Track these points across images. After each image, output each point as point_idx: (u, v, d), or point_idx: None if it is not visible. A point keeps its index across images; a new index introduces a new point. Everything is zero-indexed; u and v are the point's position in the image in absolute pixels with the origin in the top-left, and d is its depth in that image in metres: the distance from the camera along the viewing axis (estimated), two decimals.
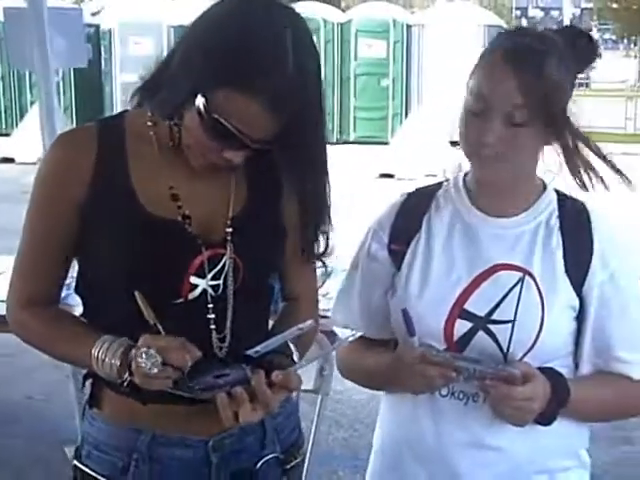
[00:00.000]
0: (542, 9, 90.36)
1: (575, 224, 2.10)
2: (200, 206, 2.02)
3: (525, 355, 2.03)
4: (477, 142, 1.98)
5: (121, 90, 20.30)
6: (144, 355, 1.82)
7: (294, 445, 2.20)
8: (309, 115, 1.91)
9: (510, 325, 2.03)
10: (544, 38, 2.01)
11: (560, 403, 2.01)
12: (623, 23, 51.84)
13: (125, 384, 1.90)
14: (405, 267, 2.15)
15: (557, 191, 2.15)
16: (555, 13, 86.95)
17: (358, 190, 14.10)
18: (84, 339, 1.96)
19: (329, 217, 2.08)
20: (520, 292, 2.04)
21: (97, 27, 20.58)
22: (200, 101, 1.83)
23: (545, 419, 2.01)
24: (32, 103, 18.58)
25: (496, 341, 2.03)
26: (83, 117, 12.03)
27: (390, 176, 15.43)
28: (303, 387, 2.67)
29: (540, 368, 2.00)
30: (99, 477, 2.05)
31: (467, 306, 2.06)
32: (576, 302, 2.06)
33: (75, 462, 2.11)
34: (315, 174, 2.01)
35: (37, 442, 5.29)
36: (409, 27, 20.43)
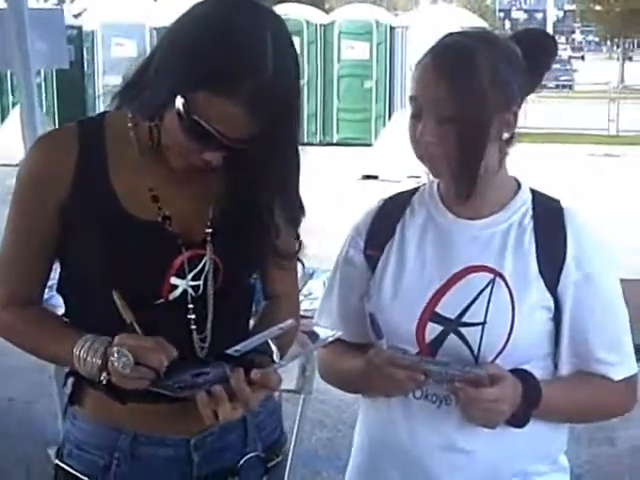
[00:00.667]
0: (525, 11, 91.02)
1: (549, 224, 2.08)
2: (180, 207, 2.02)
3: (497, 357, 2.02)
4: (419, 143, 2.00)
5: (103, 92, 20.40)
6: (116, 354, 1.83)
7: (276, 444, 2.21)
8: (286, 117, 1.91)
9: (480, 327, 2.02)
10: (476, 38, 2.02)
11: (531, 404, 2.00)
12: (606, 25, 52.25)
13: (103, 383, 1.90)
14: (378, 272, 2.16)
15: (533, 191, 2.15)
16: (539, 15, 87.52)
17: (342, 191, 14.27)
18: (66, 338, 1.96)
19: (301, 217, 2.10)
20: (490, 294, 2.04)
21: (79, 29, 20.61)
22: (179, 102, 1.83)
23: (517, 421, 2.01)
24: (14, 104, 18.62)
25: (467, 344, 2.03)
26: (65, 119, 12.07)
27: (374, 177, 15.56)
28: (285, 387, 2.69)
29: (512, 370, 2.00)
30: (80, 476, 2.06)
31: (438, 309, 2.06)
32: (551, 302, 2.05)
33: (57, 461, 2.11)
34: (289, 175, 2.02)
35: (20, 443, 5.28)
36: (392, 29, 20.55)
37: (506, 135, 2.03)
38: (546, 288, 2.04)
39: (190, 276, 2.00)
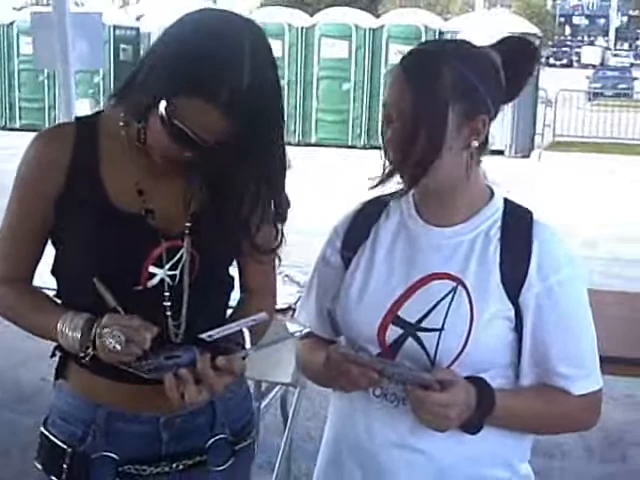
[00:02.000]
0: (587, 17, 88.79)
1: (515, 234, 2.07)
2: (163, 201, 2.11)
3: (452, 363, 2.02)
4: (388, 147, 2.04)
5: None
6: (108, 335, 1.94)
7: (244, 428, 2.29)
8: (266, 119, 1.97)
9: (437, 333, 2.02)
10: (447, 48, 2.05)
11: (484, 411, 1.99)
12: None
13: (87, 358, 2.02)
14: (349, 274, 2.18)
15: (506, 200, 2.14)
16: (601, 21, 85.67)
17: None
18: (51, 314, 2.08)
19: (286, 215, 2.15)
20: (451, 301, 2.04)
21: (137, 30, 21.23)
22: (162, 106, 1.91)
23: (470, 427, 2.01)
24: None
25: (424, 348, 2.03)
26: None
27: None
28: (282, 381, 2.83)
29: (468, 377, 2.00)
30: (60, 444, 2.16)
31: (400, 313, 2.07)
32: (512, 313, 2.04)
33: (42, 429, 2.22)
34: (274, 175, 2.08)
35: None
36: (441, 33, 20.20)
37: (475, 143, 2.02)
38: (507, 298, 2.03)
39: (167, 266, 2.08)
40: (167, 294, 2.09)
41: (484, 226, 2.08)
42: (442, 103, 1.96)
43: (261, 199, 2.09)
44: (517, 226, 2.07)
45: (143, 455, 2.17)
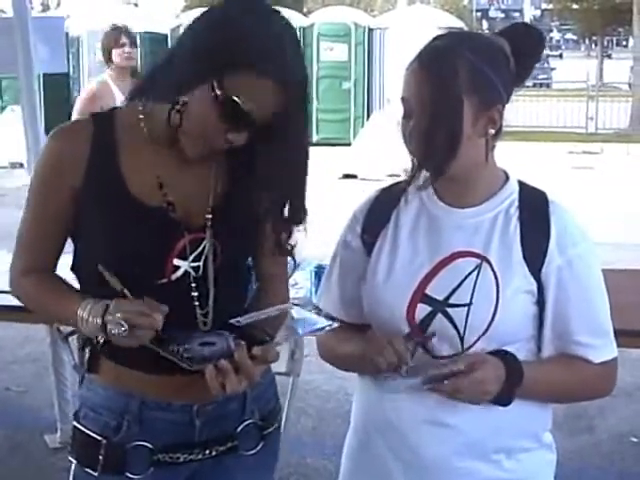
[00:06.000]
0: (503, 11, 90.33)
1: (534, 212, 2.15)
2: (184, 194, 2.15)
3: (480, 337, 2.10)
4: (410, 141, 2.12)
5: None
6: (112, 322, 2.00)
7: (272, 413, 2.37)
8: (303, 104, 2.07)
9: (466, 308, 2.10)
10: (461, 41, 2.11)
11: (514, 384, 2.07)
12: (584, 23, 51.91)
13: (99, 344, 2.12)
14: (374, 256, 2.24)
15: (520, 182, 2.23)
16: (516, 14, 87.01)
17: (322, 190, 14.49)
18: (72, 301, 2.12)
19: (304, 213, 2.20)
20: (477, 277, 2.11)
21: (66, 34, 20.86)
22: (214, 83, 1.97)
23: (502, 400, 2.08)
24: (3, 108, 18.84)
25: (453, 323, 2.11)
26: (51, 120, 12.25)
27: (353, 177, 15.63)
28: (276, 370, 2.86)
29: (494, 352, 2.08)
30: (93, 435, 2.21)
31: (428, 291, 2.14)
32: (534, 287, 2.12)
33: (74, 423, 2.27)
34: (295, 171, 2.13)
35: (17, 431, 5.34)
36: (370, 30, 20.62)
37: (492, 131, 2.10)
38: (530, 273, 2.12)
39: (191, 258, 2.14)
40: (193, 285, 2.15)
41: (503, 206, 2.17)
42: (458, 97, 2.04)
43: (284, 192, 2.15)
44: (534, 205, 2.17)
45: (176, 443, 2.23)
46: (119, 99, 6.07)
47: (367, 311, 2.26)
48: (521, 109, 23.10)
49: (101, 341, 2.11)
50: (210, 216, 2.17)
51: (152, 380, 2.17)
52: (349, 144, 18.31)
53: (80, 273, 2.25)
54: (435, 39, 2.15)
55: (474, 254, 2.14)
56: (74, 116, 7.16)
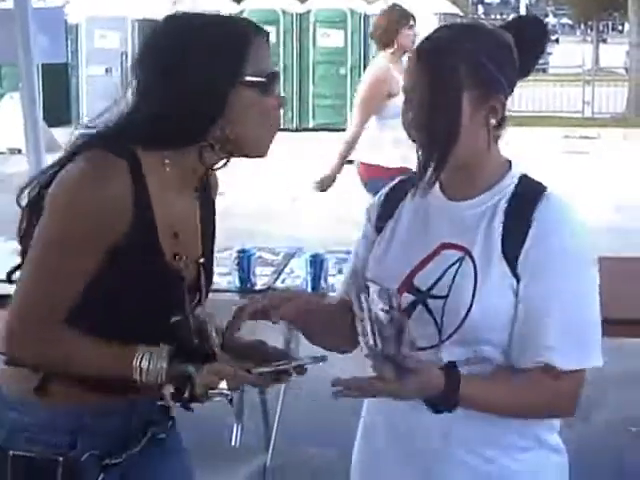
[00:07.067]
0: None
1: (520, 207, 2.11)
2: (187, 241, 2.18)
3: (456, 330, 2.08)
4: (410, 129, 2.15)
5: (87, 82, 20.68)
6: (215, 394, 2.04)
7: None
8: None
9: (443, 301, 2.10)
10: (462, 32, 2.15)
11: (449, 396, 2.02)
12: (579, 8, 51.94)
13: (180, 395, 2.07)
14: (375, 246, 2.29)
15: (523, 176, 2.19)
16: (512, 0, 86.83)
17: (319, 175, 14.54)
18: (119, 352, 2.07)
19: None
20: (457, 271, 2.11)
21: (65, 22, 20.98)
22: (248, 77, 2.05)
23: (438, 407, 2.05)
24: (2, 95, 18.90)
25: (431, 314, 2.12)
26: (49, 107, 12.33)
27: (349, 162, 15.83)
28: None
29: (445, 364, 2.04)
30: (49, 456, 2.14)
31: (415, 281, 2.16)
32: (514, 282, 2.08)
33: (12, 453, 2.14)
34: None
35: None
36: (366, 17, 20.58)
37: (493, 121, 2.11)
38: (508, 268, 2.08)
39: (190, 306, 2.21)
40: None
41: (495, 199, 2.16)
42: (456, 88, 2.07)
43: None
44: (524, 199, 2.13)
45: (118, 444, 2.23)
46: (399, 83, 6.10)
47: None
48: (517, 94, 22.87)
49: (170, 391, 2.08)
50: (202, 260, 2.26)
51: (94, 392, 2.16)
52: (345, 130, 18.28)
53: (84, 319, 2.10)
54: (436, 31, 2.18)
55: (459, 247, 2.14)
56: (361, 106, 6.99)
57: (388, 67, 6.83)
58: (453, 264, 2.13)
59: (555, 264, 2.07)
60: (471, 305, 2.08)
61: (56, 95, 19.39)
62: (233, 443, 4.63)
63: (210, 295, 2.32)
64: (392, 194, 2.34)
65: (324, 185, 7.05)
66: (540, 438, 2.19)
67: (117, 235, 2.04)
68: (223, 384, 2.03)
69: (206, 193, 2.28)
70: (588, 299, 2.10)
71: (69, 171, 2.06)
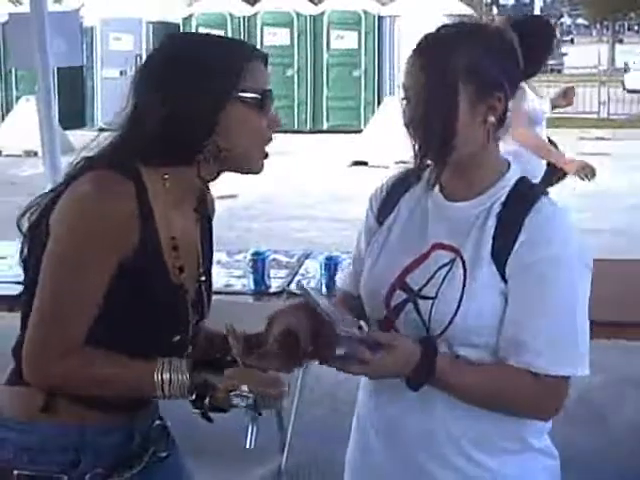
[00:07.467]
0: None
1: (513, 210, 2.10)
2: (187, 255, 2.19)
3: (443, 332, 2.08)
4: (408, 127, 2.13)
5: (102, 84, 20.83)
6: (237, 396, 2.03)
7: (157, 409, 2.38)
8: None
9: (431, 302, 2.10)
10: (461, 30, 2.15)
11: (422, 374, 2.04)
12: (594, 8, 51.81)
13: (197, 400, 2.05)
14: (372, 242, 2.29)
15: (520, 178, 2.18)
16: (526, 0, 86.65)
17: (332, 177, 14.24)
18: (140, 368, 2.07)
19: None
20: (447, 272, 2.11)
21: (80, 25, 21.10)
22: (241, 94, 2.08)
23: (411, 383, 2.06)
24: (18, 98, 19.01)
25: (419, 314, 2.11)
26: (64, 110, 12.37)
27: (363, 163, 15.65)
28: None
29: (421, 338, 2.07)
30: (53, 475, 2.13)
31: (407, 279, 2.15)
32: (503, 286, 2.07)
33: (17, 472, 2.13)
34: None
35: None
36: (380, 18, 20.70)
37: (492, 119, 2.09)
38: (498, 272, 2.08)
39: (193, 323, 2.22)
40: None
41: (490, 201, 2.14)
42: (452, 85, 2.06)
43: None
44: (519, 202, 2.11)
45: (121, 462, 2.21)
46: None
47: (361, 294, 2.30)
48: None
49: (192, 398, 2.07)
50: (203, 278, 2.26)
51: (96, 409, 2.15)
52: (359, 131, 18.31)
53: (97, 339, 2.09)
54: (438, 29, 2.16)
55: (451, 248, 2.13)
56: None
57: None
58: (444, 265, 2.12)
59: (544, 270, 2.05)
60: (458, 307, 2.07)
61: (71, 98, 19.46)
62: (248, 445, 4.57)
63: (225, 297, 2.35)
64: (394, 187, 2.33)
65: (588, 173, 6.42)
66: (528, 441, 2.18)
67: (127, 250, 2.04)
68: (244, 387, 2.02)
69: (203, 212, 2.30)
70: (576, 307, 2.08)
71: (75, 192, 2.05)
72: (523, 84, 2.34)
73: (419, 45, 2.13)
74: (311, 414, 5.12)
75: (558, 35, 62.38)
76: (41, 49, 5.30)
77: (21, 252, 2.16)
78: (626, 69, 32.34)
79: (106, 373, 2.08)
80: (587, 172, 6.34)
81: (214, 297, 2.34)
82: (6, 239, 4.81)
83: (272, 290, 4.30)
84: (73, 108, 19.42)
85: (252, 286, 4.30)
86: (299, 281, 2.12)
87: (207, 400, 2.04)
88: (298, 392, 4.32)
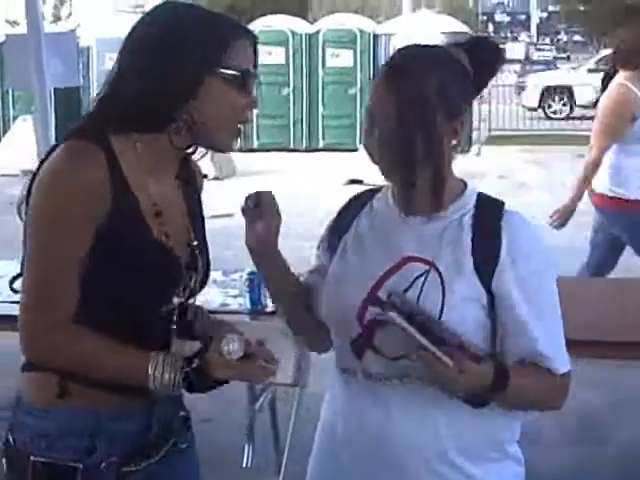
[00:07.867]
0: (509, 14, 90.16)
1: (487, 222, 2.16)
2: (174, 223, 2.21)
3: None
4: (372, 152, 2.18)
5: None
6: (227, 339, 2.05)
7: (182, 401, 2.41)
8: None
9: None
10: (427, 56, 2.19)
11: (496, 391, 2.08)
12: (591, 25, 51.94)
13: (185, 375, 2.07)
14: (333, 261, 2.31)
15: (479, 193, 2.24)
16: (522, 17, 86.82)
17: (328, 195, 14.41)
18: (132, 356, 2.11)
19: None
20: (423, 284, 2.12)
21: (76, 44, 21.16)
22: (221, 69, 2.09)
23: (475, 402, 2.11)
24: (15, 118, 19.04)
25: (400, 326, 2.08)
26: (62, 129, 12.40)
27: (359, 182, 15.45)
28: (282, 381, 2.92)
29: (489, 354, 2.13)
30: (67, 462, 2.16)
31: (380, 293, 2.16)
32: (485, 298, 2.13)
33: (33, 458, 2.16)
34: None
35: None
36: (375, 37, 20.65)
37: (454, 142, 2.17)
38: (480, 283, 2.13)
39: (187, 291, 2.26)
40: (175, 318, 2.27)
41: (458, 215, 2.20)
42: (431, 107, 2.11)
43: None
44: (488, 214, 2.19)
45: (137, 451, 2.25)
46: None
47: (324, 312, 2.31)
48: (534, 113, 23.04)
49: (191, 368, 2.09)
50: (195, 243, 2.28)
51: (112, 393, 2.17)
52: (355, 150, 18.26)
53: (88, 315, 2.13)
54: (399, 51, 2.22)
55: (423, 260, 2.15)
56: (607, 121, 6.04)
57: (628, 85, 6.04)
58: (420, 276, 2.14)
59: (533, 282, 2.16)
60: (440, 316, 2.10)
61: (68, 117, 19.43)
62: (245, 464, 4.63)
63: (222, 317, 2.36)
64: (345, 211, 2.36)
65: (563, 218, 6.10)
66: (506, 448, 2.25)
67: (101, 216, 2.07)
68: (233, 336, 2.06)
69: (190, 184, 2.32)
70: (559, 309, 2.22)
71: (49, 164, 2.12)
72: None
73: (388, 65, 2.17)
74: (308, 433, 5.05)
75: (555, 51, 62.72)
76: (38, 70, 5.38)
77: (24, 238, 2.19)
78: None
79: (94, 353, 2.12)
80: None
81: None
82: (5, 258, 4.81)
83: (268, 309, 4.28)
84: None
85: (248, 305, 4.31)
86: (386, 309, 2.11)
87: (195, 362, 2.07)
88: (294, 411, 4.32)
